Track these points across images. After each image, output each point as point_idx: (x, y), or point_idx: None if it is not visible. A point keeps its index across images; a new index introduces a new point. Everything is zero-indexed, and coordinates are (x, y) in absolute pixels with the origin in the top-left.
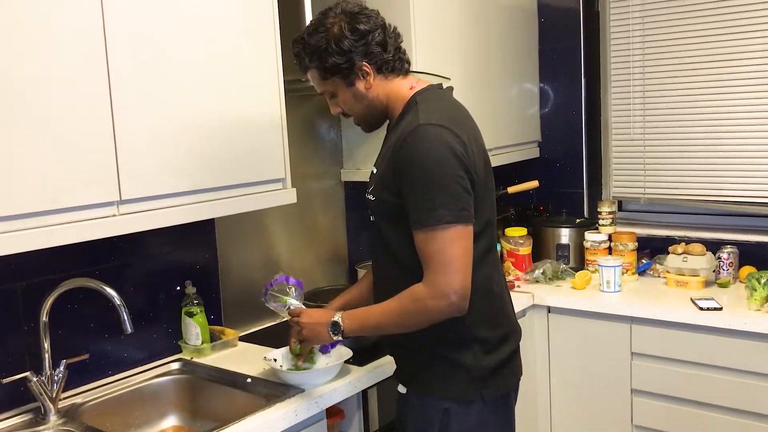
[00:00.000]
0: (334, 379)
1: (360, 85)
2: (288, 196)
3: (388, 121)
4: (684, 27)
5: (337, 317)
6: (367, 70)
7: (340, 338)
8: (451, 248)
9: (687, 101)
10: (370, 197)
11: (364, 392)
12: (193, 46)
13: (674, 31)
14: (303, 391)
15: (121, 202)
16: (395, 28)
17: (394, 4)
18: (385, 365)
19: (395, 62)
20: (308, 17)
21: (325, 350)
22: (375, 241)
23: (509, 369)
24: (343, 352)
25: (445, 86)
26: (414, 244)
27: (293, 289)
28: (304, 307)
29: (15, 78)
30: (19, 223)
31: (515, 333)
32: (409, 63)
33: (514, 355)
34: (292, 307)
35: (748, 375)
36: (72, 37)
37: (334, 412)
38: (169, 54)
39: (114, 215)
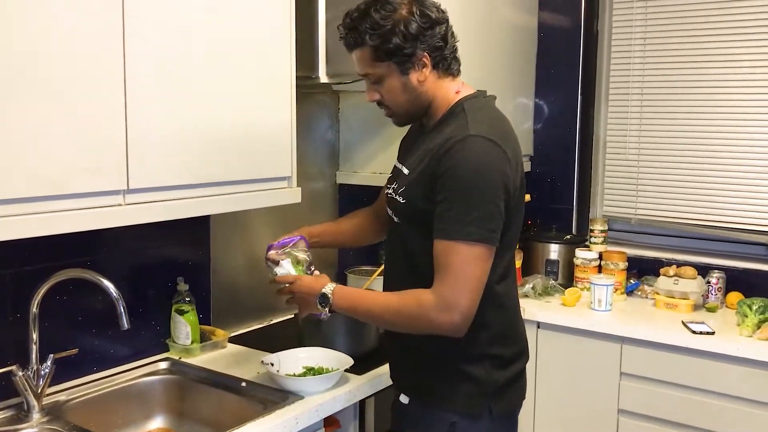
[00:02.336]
0: (333, 387)
1: (414, 76)
2: (293, 195)
3: (422, 121)
4: (685, 51)
5: (328, 289)
6: (426, 61)
7: (327, 312)
8: (472, 266)
9: (684, 125)
10: (399, 198)
11: (361, 402)
12: (208, 39)
13: (675, 55)
14: (302, 398)
15: (128, 191)
16: (452, 25)
17: None
18: (384, 374)
19: (451, 61)
20: (321, 13)
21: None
22: (394, 242)
23: (518, 386)
24: (344, 360)
25: (488, 94)
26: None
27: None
28: (293, 274)
29: (31, 54)
30: (18, 207)
31: (525, 352)
32: (460, 64)
33: (522, 373)
34: (282, 272)
35: (738, 401)
36: (90, 21)
37: (329, 422)
38: (185, 46)
39: (120, 204)
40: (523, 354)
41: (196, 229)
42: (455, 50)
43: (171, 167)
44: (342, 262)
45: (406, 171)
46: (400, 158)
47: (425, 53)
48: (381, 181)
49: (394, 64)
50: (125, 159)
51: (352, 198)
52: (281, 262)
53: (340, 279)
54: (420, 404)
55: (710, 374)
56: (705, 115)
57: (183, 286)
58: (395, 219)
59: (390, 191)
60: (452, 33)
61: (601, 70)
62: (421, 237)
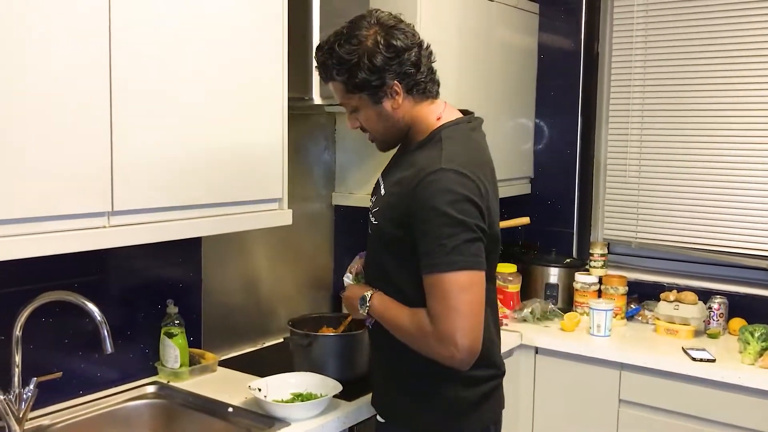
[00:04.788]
0: (321, 414)
1: (387, 105)
2: (284, 217)
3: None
4: (686, 74)
5: (368, 293)
6: (397, 90)
7: (366, 314)
8: (462, 295)
9: (685, 149)
10: (372, 219)
11: (350, 429)
12: (198, 58)
13: (676, 78)
14: (288, 424)
15: (113, 213)
16: (429, 46)
17: None
18: None
19: (427, 84)
20: (315, 34)
21: (365, 322)
22: (371, 249)
23: (489, 404)
24: (333, 386)
25: (474, 116)
26: (411, 274)
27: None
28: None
29: (15, 76)
30: (5, 228)
31: (499, 374)
32: (439, 85)
33: (495, 391)
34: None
35: (739, 431)
36: (76, 43)
37: None
38: (173, 66)
39: (104, 227)
40: (496, 375)
41: (187, 250)
42: (431, 72)
43: (157, 189)
44: (337, 285)
45: (383, 191)
46: (384, 173)
47: (395, 81)
48: None
49: (365, 96)
50: (110, 180)
51: (348, 219)
52: (344, 277)
53: (335, 301)
54: (394, 425)
55: (711, 403)
56: (706, 138)
57: (172, 309)
58: (370, 233)
59: (371, 204)
60: (427, 52)
61: (602, 92)
62: (395, 260)
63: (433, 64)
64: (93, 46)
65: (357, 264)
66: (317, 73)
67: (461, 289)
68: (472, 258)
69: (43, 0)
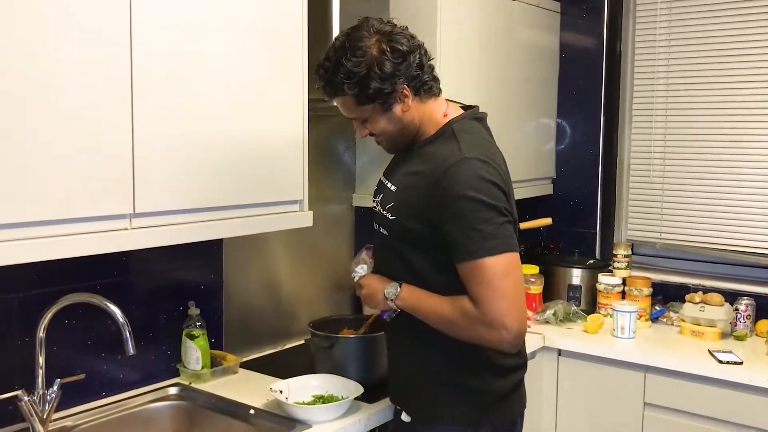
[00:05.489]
0: (342, 416)
1: (397, 109)
2: (304, 219)
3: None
4: (711, 72)
5: (396, 284)
6: (407, 93)
7: (392, 305)
8: (506, 279)
9: (709, 147)
10: (387, 214)
11: (372, 431)
12: (218, 61)
13: (701, 75)
14: (310, 427)
15: (134, 215)
16: (423, 44)
17: (421, 37)
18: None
19: (431, 83)
20: (336, 34)
21: (382, 316)
22: (386, 255)
23: (517, 395)
24: (355, 388)
25: (478, 110)
26: (439, 267)
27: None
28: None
29: (37, 78)
30: (26, 231)
31: (525, 364)
32: (439, 82)
33: (521, 382)
34: (357, 276)
35: None
36: (96, 41)
37: None
38: (194, 68)
39: (126, 228)
40: (522, 366)
41: (209, 252)
42: (432, 70)
43: (178, 191)
44: None
45: (392, 187)
46: (386, 173)
47: (404, 85)
48: None
49: (377, 105)
50: (132, 183)
51: (369, 221)
52: (356, 268)
53: (355, 302)
54: (422, 421)
55: (738, 406)
56: (731, 136)
57: (194, 311)
58: (384, 232)
59: (376, 205)
60: (425, 53)
61: (625, 91)
62: (422, 255)
63: (431, 61)
64: (113, 46)
65: (365, 255)
66: (322, 90)
67: (504, 272)
68: (509, 240)
69: None
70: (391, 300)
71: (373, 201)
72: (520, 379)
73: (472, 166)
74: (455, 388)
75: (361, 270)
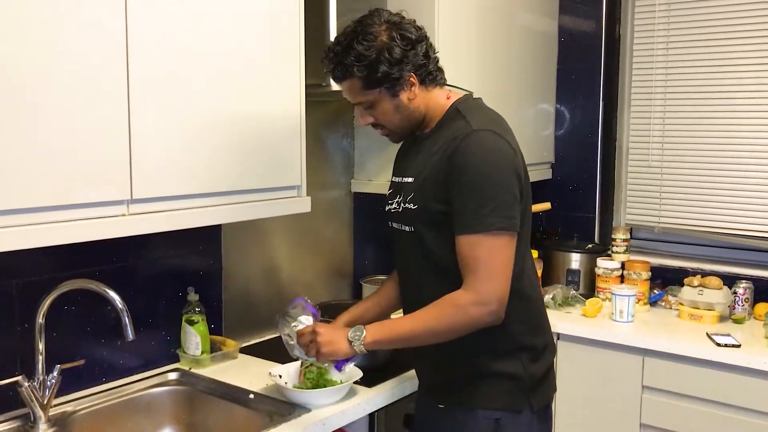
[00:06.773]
0: (341, 400)
1: (404, 96)
2: (303, 204)
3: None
4: (709, 55)
5: (356, 328)
6: (413, 80)
7: (362, 349)
8: (499, 255)
9: (709, 131)
10: (410, 206)
11: (371, 415)
12: (215, 45)
13: (699, 59)
14: (309, 411)
15: (132, 201)
16: (428, 37)
17: (420, 21)
18: (395, 387)
19: (436, 73)
20: (332, 20)
21: (339, 367)
22: (410, 254)
23: (551, 380)
24: (353, 373)
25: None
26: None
27: (308, 315)
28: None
29: (33, 65)
30: (23, 217)
31: (553, 342)
32: (443, 73)
33: (552, 367)
34: (300, 326)
35: (764, 416)
36: (92, 29)
37: None
38: (191, 53)
39: (123, 215)
40: (551, 344)
41: (208, 237)
42: (437, 61)
43: (176, 177)
44: (357, 272)
45: (410, 180)
46: (398, 172)
47: (411, 73)
48: None
49: (384, 90)
50: (129, 169)
51: (367, 206)
52: (300, 318)
53: (356, 288)
54: (462, 408)
55: (735, 389)
56: (730, 120)
57: (193, 296)
58: (408, 229)
59: (394, 205)
60: (431, 45)
61: (624, 76)
62: (440, 237)
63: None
64: (109, 31)
65: (302, 307)
66: (331, 74)
67: (497, 249)
68: (508, 220)
69: None
70: (358, 342)
71: (389, 205)
72: (551, 363)
73: (483, 139)
74: (493, 375)
75: (306, 320)
